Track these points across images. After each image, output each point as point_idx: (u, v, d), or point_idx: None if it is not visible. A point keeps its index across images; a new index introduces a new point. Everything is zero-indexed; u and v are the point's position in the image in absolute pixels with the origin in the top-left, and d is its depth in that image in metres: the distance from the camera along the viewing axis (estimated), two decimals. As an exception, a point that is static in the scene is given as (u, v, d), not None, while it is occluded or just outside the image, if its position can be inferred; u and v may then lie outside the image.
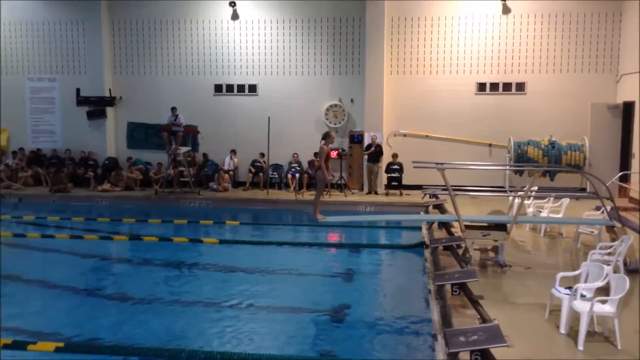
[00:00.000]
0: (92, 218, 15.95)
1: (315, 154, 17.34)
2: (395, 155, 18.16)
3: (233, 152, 19.51)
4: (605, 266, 7.17)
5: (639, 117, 16.02)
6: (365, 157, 18.35)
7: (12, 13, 20.64)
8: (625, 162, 17.00)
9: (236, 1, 19.36)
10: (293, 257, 12.14)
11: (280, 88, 19.53)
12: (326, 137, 9.98)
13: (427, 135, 18.76)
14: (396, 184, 17.97)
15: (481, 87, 18.60)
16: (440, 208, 13.91)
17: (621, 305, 6.59)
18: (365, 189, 18.44)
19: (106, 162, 19.85)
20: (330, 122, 19.09)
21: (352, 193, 18.22)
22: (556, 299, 7.07)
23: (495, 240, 9.94)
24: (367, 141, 18.52)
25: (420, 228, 13.59)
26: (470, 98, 18.64)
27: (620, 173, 15.90)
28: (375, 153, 18.03)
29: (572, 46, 18.09)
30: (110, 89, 20.14)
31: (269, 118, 18.25)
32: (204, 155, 19.73)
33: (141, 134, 20.44)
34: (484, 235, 9.96)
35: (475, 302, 7.04)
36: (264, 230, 15.19)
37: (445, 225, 12.31)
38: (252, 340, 7.73)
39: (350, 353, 7.24)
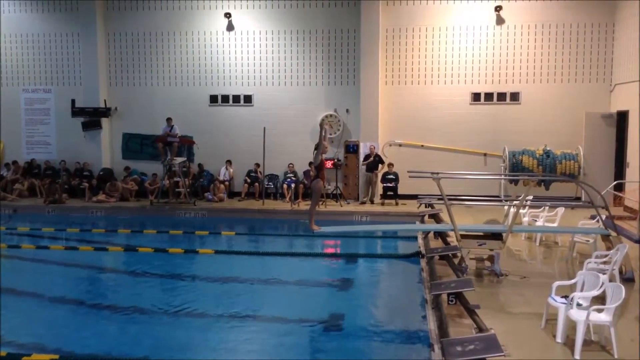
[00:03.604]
0: (87, 229, 15.88)
1: (310, 164, 17.33)
2: (390, 165, 18.19)
3: (228, 162, 19.50)
4: (601, 275, 7.18)
5: (637, 126, 16.08)
6: (363, 167, 18.35)
7: (7, 25, 20.64)
8: (619, 170, 17.09)
9: (231, 12, 19.44)
10: (289, 268, 12.10)
11: (275, 98, 19.55)
12: (317, 147, 9.93)
13: (422, 145, 18.80)
14: (392, 193, 17.98)
15: (476, 97, 18.67)
16: (435, 217, 13.91)
17: (617, 314, 6.60)
18: (361, 199, 18.42)
19: (101, 172, 19.80)
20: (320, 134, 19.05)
21: (348, 203, 18.21)
22: (552, 308, 7.07)
23: (491, 250, 9.95)
24: (362, 151, 18.55)
25: (416, 237, 13.60)
26: (465, 108, 18.70)
27: (615, 182, 15.96)
28: (374, 163, 18.06)
29: (566, 56, 18.19)
30: (105, 100, 20.13)
31: (264, 128, 18.26)
32: (200, 165, 19.71)
33: (136, 145, 20.40)
34: (480, 245, 9.97)
35: (471, 312, 7.03)
36: (259, 241, 15.16)
37: (441, 235, 12.32)
38: (247, 351, 7.70)
39: (346, 363, 7.22)
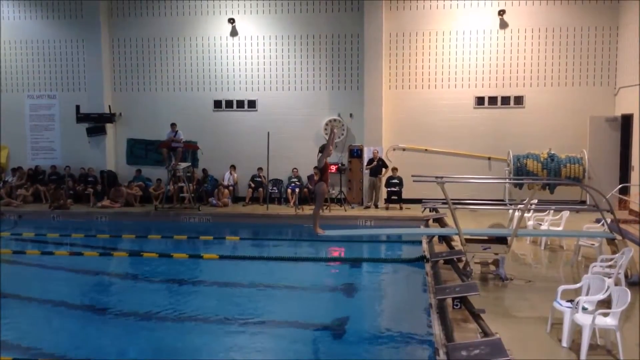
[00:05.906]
0: (91, 234, 15.93)
1: (315, 168, 17.35)
2: (395, 169, 18.18)
3: (233, 167, 19.53)
4: (606, 279, 7.15)
5: (638, 129, 16.05)
6: (367, 171, 18.34)
7: (13, 31, 20.77)
8: (624, 174, 17.03)
9: (235, 18, 19.50)
10: (293, 272, 12.11)
11: (279, 103, 19.58)
12: (323, 150, 9.95)
13: (426, 150, 18.79)
14: (396, 198, 17.95)
15: (480, 101, 18.65)
16: (440, 222, 13.89)
17: (623, 318, 6.57)
18: (365, 203, 18.40)
19: (105, 174, 19.80)
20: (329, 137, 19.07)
21: (352, 207, 18.19)
22: (558, 312, 7.05)
23: (496, 254, 9.92)
24: (366, 155, 18.55)
25: (420, 242, 13.58)
26: (469, 112, 18.69)
27: (620, 185, 15.91)
28: (377, 167, 18.05)
29: (570, 60, 18.16)
30: (109, 106, 20.18)
31: (268, 133, 18.29)
32: (204, 170, 19.74)
33: (141, 150, 20.46)
34: (485, 249, 9.94)
35: (476, 316, 7.01)
36: (264, 246, 15.16)
37: (445, 239, 12.29)
38: (251, 355, 7.69)
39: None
